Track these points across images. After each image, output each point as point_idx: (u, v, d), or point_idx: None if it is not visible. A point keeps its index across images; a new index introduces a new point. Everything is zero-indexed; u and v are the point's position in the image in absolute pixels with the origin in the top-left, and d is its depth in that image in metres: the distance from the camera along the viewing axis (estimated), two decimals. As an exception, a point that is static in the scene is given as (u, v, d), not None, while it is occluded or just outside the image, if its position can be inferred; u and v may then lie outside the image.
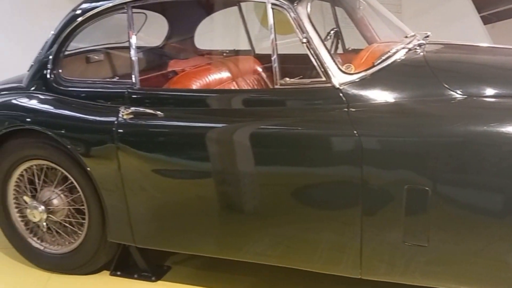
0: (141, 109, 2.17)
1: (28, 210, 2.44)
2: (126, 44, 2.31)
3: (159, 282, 2.44)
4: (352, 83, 1.94)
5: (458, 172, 1.77)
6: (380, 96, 1.93)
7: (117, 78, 2.62)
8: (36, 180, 2.44)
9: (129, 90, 2.23)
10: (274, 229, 2.07)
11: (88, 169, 2.24)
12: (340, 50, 2.79)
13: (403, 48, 2.14)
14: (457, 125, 1.78)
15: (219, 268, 2.53)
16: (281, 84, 2.00)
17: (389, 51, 2.08)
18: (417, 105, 1.88)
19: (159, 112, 2.14)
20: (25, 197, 2.45)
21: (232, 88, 2.60)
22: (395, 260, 1.90)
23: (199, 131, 2.10)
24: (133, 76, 2.24)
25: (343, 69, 1.96)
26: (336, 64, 1.95)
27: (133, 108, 2.18)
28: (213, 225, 2.17)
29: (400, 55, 2.09)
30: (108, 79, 2.54)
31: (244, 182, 2.05)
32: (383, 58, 2.03)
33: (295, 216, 2.01)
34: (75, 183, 2.35)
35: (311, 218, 1.99)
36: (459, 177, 1.77)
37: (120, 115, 2.18)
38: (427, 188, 1.78)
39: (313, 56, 1.95)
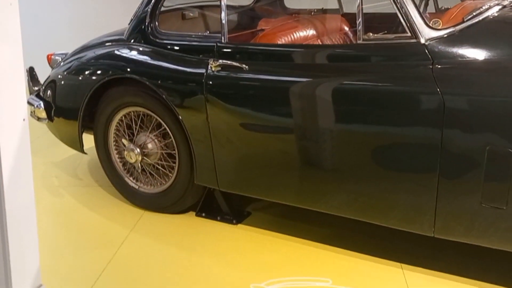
0: (229, 62, 2.29)
1: (125, 152, 2.70)
2: (218, 3, 2.41)
3: (239, 225, 2.61)
4: (439, 39, 1.90)
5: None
6: (468, 53, 1.88)
7: (208, 32, 2.75)
8: (133, 126, 2.68)
9: (218, 44, 2.36)
10: (352, 185, 2.13)
11: (180, 117, 2.42)
12: (432, 10, 2.71)
13: (497, 4, 2.04)
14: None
15: (295, 218, 2.65)
16: (364, 39, 2.01)
17: (481, 7, 2.00)
18: (507, 64, 1.81)
19: (245, 66, 2.25)
20: (123, 140, 2.71)
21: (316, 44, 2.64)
22: (470, 221, 1.89)
23: (282, 85, 2.19)
24: (222, 31, 2.35)
25: (430, 24, 1.92)
26: (422, 18, 1.92)
27: (221, 61, 2.30)
28: (293, 177, 2.27)
29: (493, 12, 2.00)
30: (199, 33, 2.68)
31: (324, 136, 2.12)
32: (474, 14, 1.96)
33: (373, 173, 2.05)
34: (168, 130, 2.55)
35: (388, 176, 2.02)
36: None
37: (209, 67, 2.32)
38: (510, 150, 1.73)
39: (398, 10, 1.93)
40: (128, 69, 2.57)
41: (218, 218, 2.65)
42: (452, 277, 2.12)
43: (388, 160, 2.00)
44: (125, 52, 2.67)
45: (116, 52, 2.70)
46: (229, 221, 2.63)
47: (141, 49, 2.63)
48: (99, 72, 2.67)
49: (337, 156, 2.13)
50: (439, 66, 1.87)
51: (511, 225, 1.82)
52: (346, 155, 2.11)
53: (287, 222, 2.63)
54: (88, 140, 2.90)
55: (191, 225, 2.64)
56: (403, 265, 2.23)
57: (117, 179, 2.83)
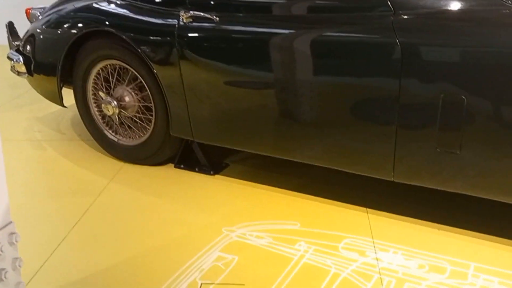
0: (200, 13, 2.32)
1: (103, 105, 2.76)
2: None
3: (217, 176, 2.71)
4: (401, -10, 1.94)
5: (498, 84, 1.77)
6: (430, 3, 1.92)
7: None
8: (110, 79, 2.73)
9: (189, -6, 2.38)
10: (319, 134, 2.20)
11: (154, 70, 2.47)
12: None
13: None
14: (506, 36, 1.76)
15: (271, 169, 2.75)
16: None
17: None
18: (464, 14, 1.86)
19: (215, 17, 2.28)
20: (100, 93, 2.77)
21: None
22: (427, 166, 1.98)
23: (252, 37, 2.23)
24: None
25: (393, -25, 1.96)
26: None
27: (192, 12, 2.34)
28: (263, 127, 2.33)
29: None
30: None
31: (291, 86, 2.17)
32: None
33: (338, 123, 2.12)
34: (143, 83, 2.60)
35: (352, 125, 2.10)
36: (498, 90, 1.78)
37: (180, 19, 2.36)
38: (463, 97, 1.81)
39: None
40: (106, 22, 2.60)
41: (196, 169, 2.75)
42: (412, 220, 2.25)
43: (351, 109, 2.08)
44: (103, 5, 2.68)
45: (94, 5, 2.71)
46: (207, 172, 2.72)
47: (118, 2, 2.65)
48: (76, 25, 2.70)
49: (304, 106, 2.20)
50: (400, 17, 1.92)
51: (464, 168, 1.92)
52: (313, 105, 2.18)
53: (262, 172, 2.73)
54: (71, 95, 2.95)
55: (169, 176, 2.74)
56: (369, 209, 2.34)
57: (96, 132, 2.90)
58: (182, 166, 2.77)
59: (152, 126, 2.67)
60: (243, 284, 1.85)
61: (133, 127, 2.77)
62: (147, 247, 2.09)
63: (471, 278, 1.88)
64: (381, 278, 1.87)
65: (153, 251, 2.07)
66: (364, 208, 2.36)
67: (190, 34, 2.34)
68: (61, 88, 2.88)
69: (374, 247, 2.07)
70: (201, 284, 1.85)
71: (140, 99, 2.69)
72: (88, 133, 3.00)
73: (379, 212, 2.32)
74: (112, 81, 2.72)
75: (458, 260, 1.98)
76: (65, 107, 3.02)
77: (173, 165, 2.81)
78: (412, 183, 2.08)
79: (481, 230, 2.16)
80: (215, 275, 1.90)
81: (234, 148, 2.54)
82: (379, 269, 1.93)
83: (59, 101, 2.91)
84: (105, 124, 2.86)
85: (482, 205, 2.32)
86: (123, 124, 2.79)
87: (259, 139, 2.40)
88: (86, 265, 1.98)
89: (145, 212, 2.37)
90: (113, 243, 2.13)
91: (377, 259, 1.99)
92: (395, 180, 2.09)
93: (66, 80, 2.88)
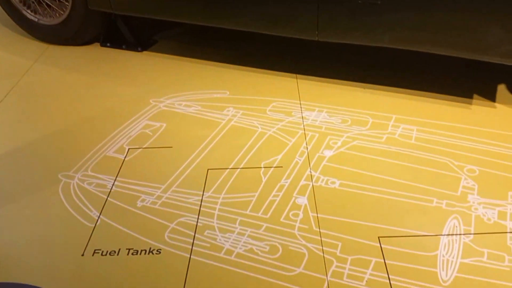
0: None
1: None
2: None
3: (145, 52, 2.63)
4: None
5: None
6: None
7: None
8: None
9: None
10: (253, 2, 2.12)
11: None
12: None
13: None
14: None
15: (202, 44, 2.69)
16: None
17: None
18: None
19: None
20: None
21: None
22: (350, 21, 1.97)
23: None
24: None
25: None
26: None
27: None
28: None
29: None
30: None
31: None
32: None
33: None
34: (56, -47, 2.40)
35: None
36: None
37: None
38: None
39: None
40: None
41: (124, 46, 2.65)
42: (339, 81, 2.29)
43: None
44: None
45: None
46: (135, 49, 2.64)
47: None
48: None
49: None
50: None
51: (386, 19, 1.92)
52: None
53: (194, 47, 2.66)
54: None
55: (96, 55, 2.63)
56: (298, 75, 2.36)
57: (15, 13, 2.71)
58: (108, 44, 2.66)
59: (70, 2, 2.51)
60: (171, 147, 1.87)
61: (52, 5, 2.59)
62: (75, 119, 2.05)
63: (391, 128, 1.96)
64: (305, 133, 1.93)
65: (81, 123, 2.04)
66: (293, 75, 2.36)
67: None
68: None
69: (301, 107, 2.11)
70: (128, 149, 1.86)
71: (55, -28, 2.50)
72: (6, 16, 2.79)
73: (307, 77, 2.34)
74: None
75: (380, 113, 2.05)
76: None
77: (99, 44, 2.70)
78: (336, 41, 2.08)
79: (403, 86, 2.22)
80: (142, 141, 1.91)
81: (158, 17, 2.41)
82: (303, 126, 1.98)
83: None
84: (22, 4, 2.66)
85: (403, 64, 2.38)
86: (41, 3, 2.61)
87: (185, 6, 2.29)
88: (14, 139, 1.94)
89: (73, 88, 2.30)
90: (43, 117, 2.08)
91: (302, 118, 2.03)
92: (319, 40, 2.08)
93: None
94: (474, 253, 1.34)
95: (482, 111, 2.04)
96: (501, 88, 2.21)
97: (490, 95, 2.15)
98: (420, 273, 1.27)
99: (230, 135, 1.92)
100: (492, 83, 2.24)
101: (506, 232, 1.41)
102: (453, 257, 1.31)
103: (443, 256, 1.31)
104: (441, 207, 1.52)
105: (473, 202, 1.53)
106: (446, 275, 1.24)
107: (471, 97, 2.14)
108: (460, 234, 1.39)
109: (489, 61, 1.87)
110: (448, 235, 1.39)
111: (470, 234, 1.40)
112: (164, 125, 2.00)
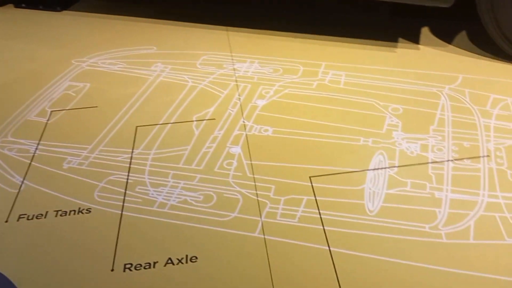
0: None
1: None
2: None
3: (65, 12, 2.48)
4: None
5: None
6: None
7: None
8: None
9: None
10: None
11: None
12: None
13: None
14: None
15: (126, 0, 2.57)
16: None
17: None
18: None
19: None
20: None
21: None
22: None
23: None
24: None
25: None
26: None
27: None
28: None
29: None
30: None
31: None
32: None
33: None
34: None
35: None
36: None
37: None
38: None
39: None
40: None
41: (41, 7, 2.49)
42: (270, 32, 2.27)
43: None
44: None
45: None
46: (53, 9, 2.48)
47: None
48: None
49: None
50: None
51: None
52: None
53: (117, 4, 2.54)
54: None
55: (11, 17, 2.45)
56: (229, 28, 2.31)
57: None
58: (23, 5, 2.49)
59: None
60: (96, 106, 1.79)
61: (-45, -37, 2.38)
62: (-12, 86, 1.93)
63: (321, 75, 1.97)
64: (237, 85, 1.90)
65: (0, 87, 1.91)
66: (224, 27, 2.32)
67: None
68: None
69: (232, 59, 2.07)
70: (51, 112, 1.76)
71: None
72: None
73: (239, 29, 2.30)
74: None
75: (310, 61, 2.05)
76: None
77: (13, 5, 2.52)
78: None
79: (332, 34, 2.24)
80: (65, 102, 1.81)
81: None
82: (235, 77, 1.95)
83: None
84: None
85: (331, 14, 2.38)
86: None
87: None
88: None
89: (-15, 54, 2.15)
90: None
91: (234, 69, 2.00)
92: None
93: None
94: (398, 183, 1.39)
95: (406, 53, 2.09)
96: (425, 31, 2.27)
97: (414, 38, 2.21)
98: (349, 206, 1.30)
99: (159, 91, 1.87)
100: (416, 28, 2.30)
101: (428, 163, 1.47)
102: (379, 189, 1.35)
103: (370, 188, 1.35)
104: (368, 145, 1.56)
105: (397, 138, 1.59)
106: (373, 205, 1.28)
107: (396, 41, 2.18)
108: (385, 168, 1.43)
109: (420, 5, 1.90)
110: (374, 169, 1.43)
111: (395, 167, 1.45)
112: (88, 85, 1.91)
